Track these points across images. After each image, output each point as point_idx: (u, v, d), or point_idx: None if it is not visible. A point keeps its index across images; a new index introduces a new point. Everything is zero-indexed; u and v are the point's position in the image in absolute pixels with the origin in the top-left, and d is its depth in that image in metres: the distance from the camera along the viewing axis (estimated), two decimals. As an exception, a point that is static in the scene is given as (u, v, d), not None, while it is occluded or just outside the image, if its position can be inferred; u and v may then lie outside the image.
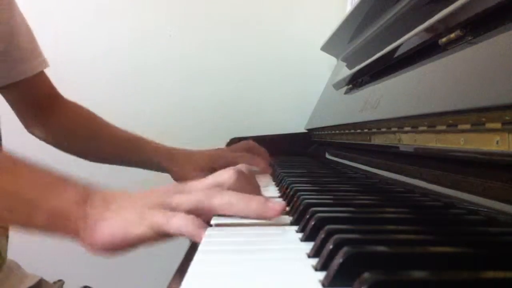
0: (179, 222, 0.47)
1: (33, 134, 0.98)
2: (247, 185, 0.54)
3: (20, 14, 0.90)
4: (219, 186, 0.52)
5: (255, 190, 0.56)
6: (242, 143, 1.01)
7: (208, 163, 0.91)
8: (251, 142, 1.00)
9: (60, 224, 0.52)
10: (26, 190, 0.54)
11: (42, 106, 0.95)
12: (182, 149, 0.96)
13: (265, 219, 0.48)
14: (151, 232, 0.48)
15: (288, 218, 0.49)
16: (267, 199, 0.49)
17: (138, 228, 0.49)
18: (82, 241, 0.52)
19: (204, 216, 0.49)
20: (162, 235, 0.49)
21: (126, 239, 0.50)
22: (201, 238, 0.44)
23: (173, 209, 0.49)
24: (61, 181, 0.55)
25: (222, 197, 0.49)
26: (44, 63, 0.94)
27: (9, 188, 0.54)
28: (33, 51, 0.92)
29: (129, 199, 0.53)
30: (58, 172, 0.56)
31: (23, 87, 0.91)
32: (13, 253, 0.82)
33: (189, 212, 0.49)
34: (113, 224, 0.50)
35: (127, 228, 0.50)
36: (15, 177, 0.55)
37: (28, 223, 0.54)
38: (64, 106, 0.99)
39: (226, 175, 0.54)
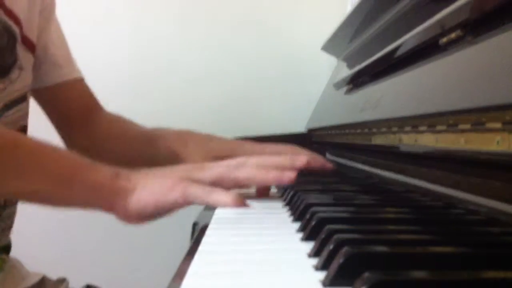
0: (221, 197, 0.53)
1: (67, 144, 0.93)
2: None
3: (55, 21, 0.88)
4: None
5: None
6: (283, 147, 0.78)
7: (226, 152, 0.79)
8: (296, 148, 0.78)
9: (97, 199, 0.57)
10: (66, 169, 0.57)
11: (75, 116, 0.92)
12: (199, 133, 0.89)
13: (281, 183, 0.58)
14: (182, 200, 0.54)
15: (288, 218, 0.49)
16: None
17: (170, 195, 0.55)
18: (117, 213, 0.57)
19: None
20: (189, 204, 0.55)
21: (159, 205, 0.55)
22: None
23: (195, 181, 0.55)
24: (92, 162, 0.59)
25: (244, 169, 0.57)
26: (77, 72, 0.91)
27: (51, 169, 0.57)
28: (65, 58, 0.89)
29: (156, 173, 0.59)
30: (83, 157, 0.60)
31: (53, 93, 0.89)
32: (15, 250, 0.82)
33: (212, 183, 0.56)
34: (145, 193, 0.56)
35: (159, 196, 0.55)
36: (53, 159, 0.58)
37: (67, 201, 0.59)
38: (100, 117, 0.95)
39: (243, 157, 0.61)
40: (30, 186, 0.56)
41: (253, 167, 0.58)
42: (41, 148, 0.59)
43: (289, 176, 0.56)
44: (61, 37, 0.90)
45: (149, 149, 0.91)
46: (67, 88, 0.90)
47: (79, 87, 0.93)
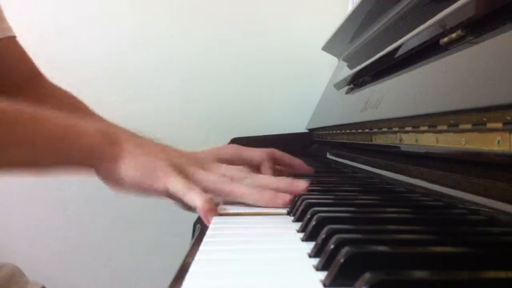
0: (196, 198, 0.50)
1: None
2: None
3: None
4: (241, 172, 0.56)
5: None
6: (263, 151, 0.71)
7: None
8: (276, 152, 0.72)
9: (85, 162, 0.55)
10: (55, 134, 0.54)
11: (14, 84, 0.81)
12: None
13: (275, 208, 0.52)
14: (166, 192, 0.52)
15: (289, 218, 0.49)
16: (278, 191, 0.54)
17: (156, 182, 0.52)
18: (102, 177, 0.55)
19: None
20: (174, 198, 0.52)
21: (142, 186, 0.53)
22: (209, 222, 0.48)
23: (192, 182, 0.52)
24: (79, 123, 0.56)
25: (239, 187, 0.53)
26: (9, 31, 0.81)
27: (38, 135, 0.53)
28: None
29: (150, 147, 0.56)
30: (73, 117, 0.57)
31: None
32: (16, 258, 0.81)
33: (205, 190, 0.52)
34: (132, 168, 0.53)
35: (145, 177, 0.52)
36: (38, 123, 0.54)
37: (54, 166, 0.56)
38: (45, 89, 0.85)
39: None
40: (16, 157, 0.54)
41: (250, 186, 0.54)
42: (21, 114, 0.54)
43: (284, 200, 0.53)
44: None
45: None
46: (3, 48, 0.80)
47: (12, 46, 0.82)
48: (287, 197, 0.53)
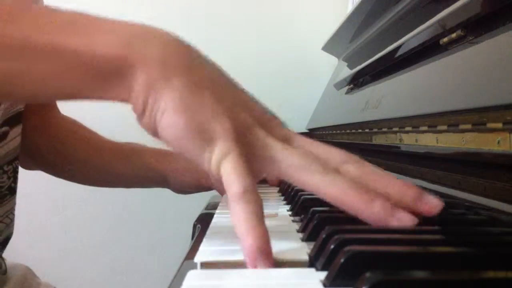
0: (243, 216, 0.34)
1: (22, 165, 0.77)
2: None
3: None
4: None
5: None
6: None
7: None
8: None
9: (99, 84, 0.37)
10: (46, 36, 0.37)
11: (32, 120, 0.75)
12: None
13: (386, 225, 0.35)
14: (209, 167, 0.35)
15: (289, 218, 0.49)
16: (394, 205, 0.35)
17: (200, 151, 0.35)
18: (133, 108, 0.38)
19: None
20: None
21: (179, 146, 0.36)
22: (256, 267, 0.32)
23: (250, 141, 0.36)
24: (92, 20, 0.39)
25: (338, 182, 0.35)
26: None
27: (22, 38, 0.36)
28: None
29: (205, 80, 0.40)
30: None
31: None
32: (28, 259, 0.81)
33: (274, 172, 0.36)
34: (176, 112, 0.35)
35: (186, 137, 0.35)
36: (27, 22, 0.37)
37: (58, 87, 0.38)
38: (56, 116, 0.80)
39: (340, 154, 0.38)
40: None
41: (350, 184, 0.35)
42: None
43: (407, 220, 0.35)
44: None
45: (122, 163, 0.77)
46: None
47: None
48: (409, 219, 0.35)
